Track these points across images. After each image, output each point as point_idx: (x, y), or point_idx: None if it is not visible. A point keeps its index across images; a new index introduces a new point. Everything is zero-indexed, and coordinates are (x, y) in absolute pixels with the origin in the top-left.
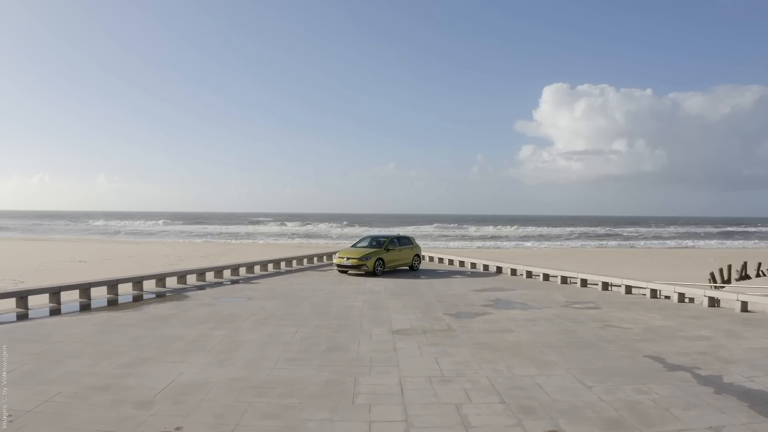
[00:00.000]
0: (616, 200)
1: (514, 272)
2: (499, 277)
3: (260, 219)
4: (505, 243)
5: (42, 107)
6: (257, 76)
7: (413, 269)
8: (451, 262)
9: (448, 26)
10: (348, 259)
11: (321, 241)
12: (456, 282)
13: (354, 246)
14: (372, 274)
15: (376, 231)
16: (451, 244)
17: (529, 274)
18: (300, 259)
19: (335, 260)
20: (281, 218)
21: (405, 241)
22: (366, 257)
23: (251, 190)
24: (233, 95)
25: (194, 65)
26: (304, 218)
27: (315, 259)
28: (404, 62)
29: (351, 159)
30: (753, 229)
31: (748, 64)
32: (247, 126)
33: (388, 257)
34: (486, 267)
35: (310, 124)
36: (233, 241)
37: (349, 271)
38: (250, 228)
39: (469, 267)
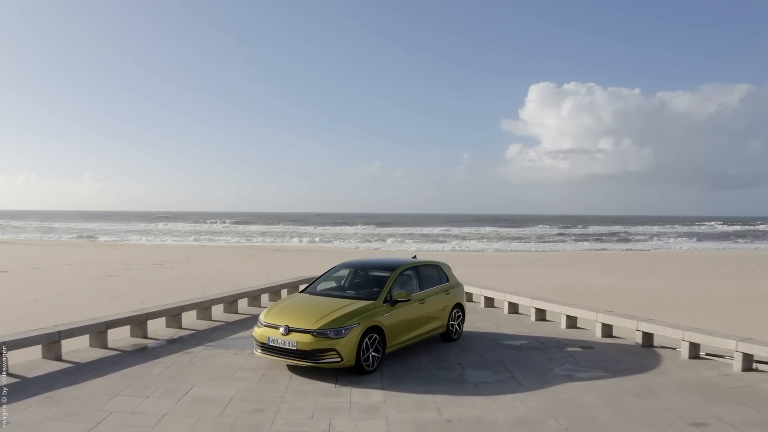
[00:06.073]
0: (603, 199)
1: (697, 353)
2: (675, 374)
3: (247, 219)
4: (507, 245)
5: (27, 105)
6: (244, 75)
7: (449, 338)
8: (514, 308)
9: (434, 24)
10: (289, 330)
11: (306, 243)
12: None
13: (311, 288)
14: (357, 370)
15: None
16: (447, 246)
17: (748, 362)
18: (204, 308)
19: (257, 330)
20: (269, 218)
21: (430, 274)
22: (336, 329)
23: (239, 189)
24: (221, 94)
25: (182, 64)
26: (292, 218)
27: (247, 301)
28: (389, 59)
29: (337, 157)
30: (756, 229)
31: (735, 62)
32: (233, 124)
33: (394, 323)
34: (607, 329)
35: (294, 121)
36: (208, 243)
37: (291, 360)
38: (233, 228)
39: (564, 324)
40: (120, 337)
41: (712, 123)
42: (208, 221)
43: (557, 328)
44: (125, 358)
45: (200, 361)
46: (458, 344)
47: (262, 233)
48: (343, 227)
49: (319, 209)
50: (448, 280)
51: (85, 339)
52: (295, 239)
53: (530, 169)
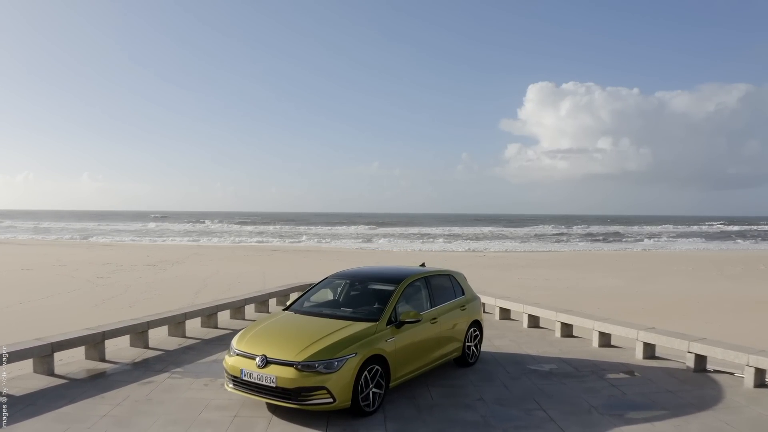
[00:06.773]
0: (602, 199)
1: (763, 380)
2: (744, 410)
3: (245, 219)
4: (507, 245)
5: (26, 105)
6: (244, 75)
7: (465, 363)
8: (534, 321)
9: (433, 23)
10: (267, 361)
11: (304, 243)
12: None
13: (297, 305)
14: (354, 412)
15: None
16: (447, 246)
17: None
18: (177, 323)
19: (229, 360)
20: (268, 218)
21: (442, 285)
22: (327, 361)
23: (237, 188)
24: (221, 94)
25: (182, 63)
26: (290, 218)
27: (229, 313)
28: (388, 59)
29: (336, 157)
30: (758, 229)
31: (734, 62)
32: (233, 124)
33: (400, 349)
34: (650, 349)
35: (294, 121)
36: (205, 243)
37: (269, 399)
38: (231, 227)
39: (596, 342)
40: (74, 359)
41: (710, 123)
42: (205, 220)
43: (588, 347)
44: (71, 389)
45: (160, 395)
46: (476, 370)
47: (260, 233)
48: (341, 227)
49: (318, 209)
50: (463, 293)
51: (28, 363)
52: (294, 239)
53: (529, 169)
